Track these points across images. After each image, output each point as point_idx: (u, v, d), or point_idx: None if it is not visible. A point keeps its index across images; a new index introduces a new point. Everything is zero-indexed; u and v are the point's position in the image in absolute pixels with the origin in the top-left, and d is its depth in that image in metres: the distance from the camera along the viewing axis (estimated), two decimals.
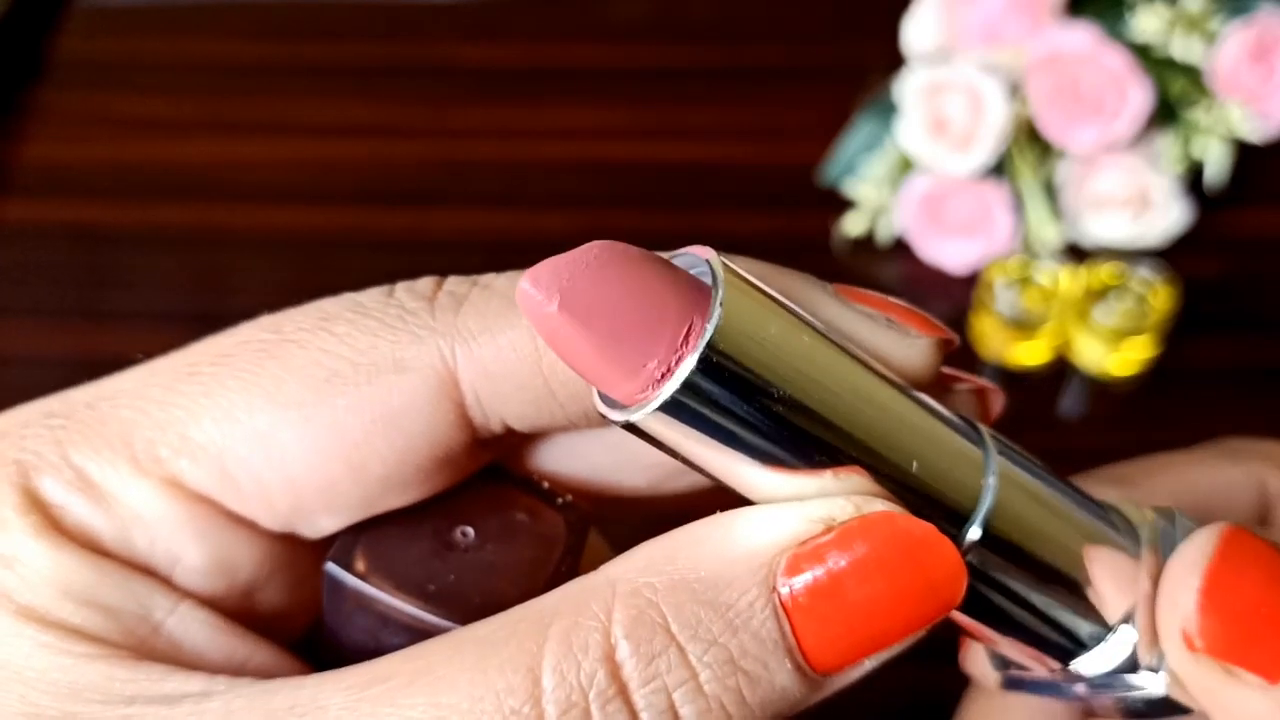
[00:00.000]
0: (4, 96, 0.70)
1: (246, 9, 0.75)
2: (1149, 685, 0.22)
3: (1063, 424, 0.55)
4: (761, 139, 0.67)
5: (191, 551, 0.21)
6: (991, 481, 0.20)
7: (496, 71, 0.71)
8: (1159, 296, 0.55)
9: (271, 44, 0.73)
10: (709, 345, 0.17)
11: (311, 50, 0.73)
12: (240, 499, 0.21)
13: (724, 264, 0.18)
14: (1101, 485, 0.26)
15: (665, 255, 0.19)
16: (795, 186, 0.63)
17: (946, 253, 0.60)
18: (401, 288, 0.22)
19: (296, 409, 0.21)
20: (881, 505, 0.19)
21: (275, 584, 0.23)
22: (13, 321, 0.60)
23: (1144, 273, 0.56)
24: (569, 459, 0.24)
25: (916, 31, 0.63)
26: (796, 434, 0.18)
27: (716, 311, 0.18)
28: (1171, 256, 0.58)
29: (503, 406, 0.21)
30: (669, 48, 0.72)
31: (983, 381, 0.23)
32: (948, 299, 0.59)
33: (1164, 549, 0.22)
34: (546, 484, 0.24)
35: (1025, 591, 0.21)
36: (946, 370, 0.22)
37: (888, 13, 0.64)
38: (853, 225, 0.60)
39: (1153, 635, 0.22)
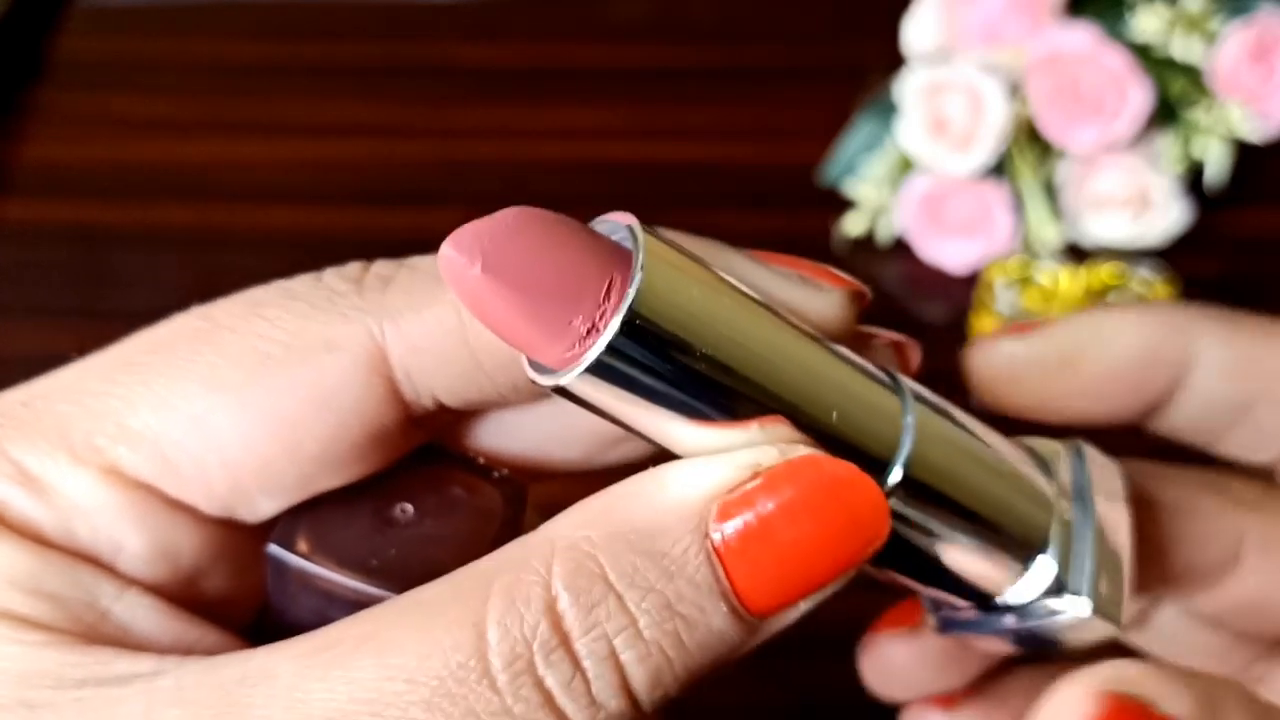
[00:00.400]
0: (4, 96, 0.70)
1: (246, 9, 0.75)
2: (1072, 608, 0.23)
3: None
4: (761, 139, 0.67)
5: (133, 539, 0.21)
6: (909, 425, 0.21)
7: (496, 71, 0.71)
8: (1159, 296, 0.55)
9: (271, 44, 0.73)
10: (632, 305, 0.18)
11: (311, 50, 0.73)
12: (179, 484, 0.21)
13: (644, 228, 0.19)
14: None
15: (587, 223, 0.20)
16: (795, 186, 0.63)
17: (946, 253, 0.60)
18: (330, 272, 0.22)
19: (231, 392, 0.21)
20: (805, 450, 0.19)
21: (219, 570, 0.23)
22: (13, 321, 0.60)
23: (1144, 273, 0.56)
24: (503, 436, 0.24)
25: (916, 31, 0.63)
26: (721, 389, 0.19)
27: (638, 273, 0.18)
28: (1171, 256, 0.58)
29: (432, 381, 0.22)
30: (669, 48, 0.72)
31: (898, 336, 0.24)
32: (948, 299, 0.59)
33: (1074, 483, 0.24)
34: (482, 460, 0.24)
35: (948, 530, 0.22)
36: (865, 328, 0.23)
37: (888, 13, 0.64)
38: (853, 225, 0.60)
39: (1069, 560, 0.23)
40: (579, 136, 0.67)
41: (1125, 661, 0.21)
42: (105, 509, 0.21)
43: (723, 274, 0.20)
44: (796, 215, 0.63)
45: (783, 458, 0.19)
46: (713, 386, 0.19)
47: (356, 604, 0.21)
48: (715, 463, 0.19)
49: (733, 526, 0.19)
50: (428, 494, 0.23)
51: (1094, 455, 0.25)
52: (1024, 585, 0.23)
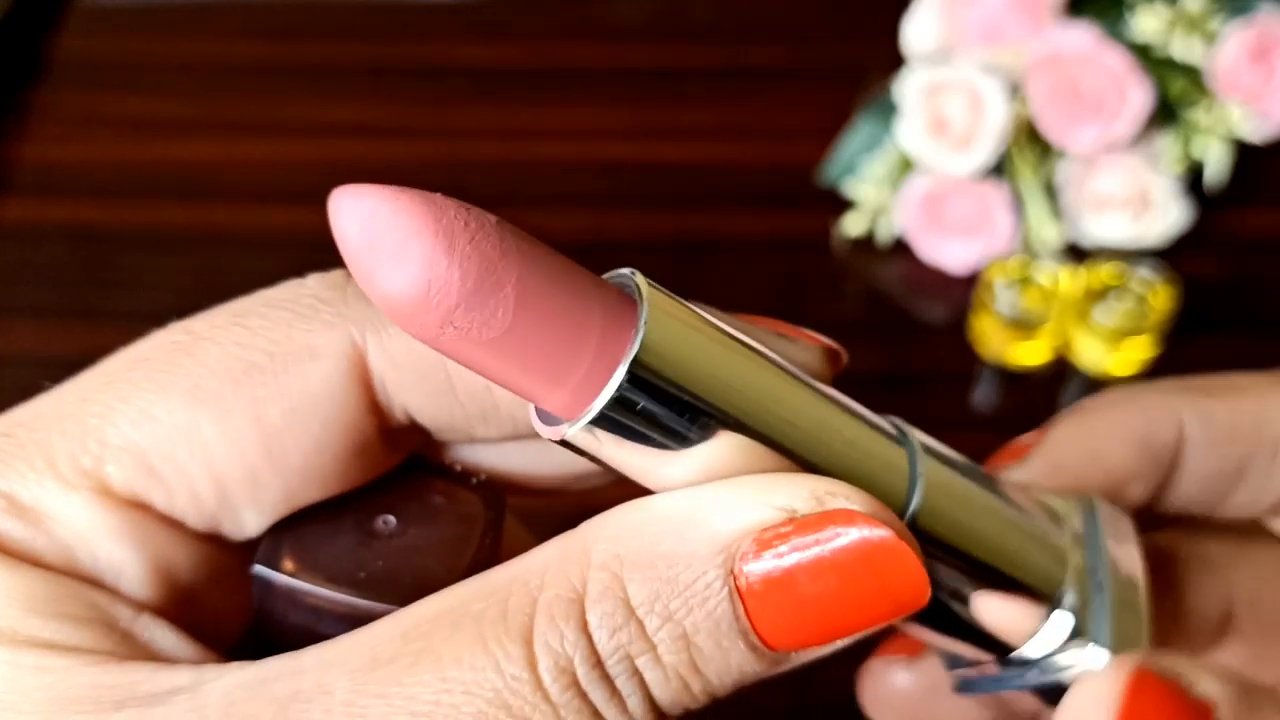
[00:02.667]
0: (4, 96, 0.70)
1: (246, 9, 0.75)
2: (1092, 660, 0.22)
3: None
4: (761, 139, 0.67)
5: (132, 560, 0.21)
6: (918, 476, 0.20)
7: (496, 71, 0.71)
8: (1159, 296, 0.55)
9: (271, 44, 0.73)
10: (637, 356, 0.17)
11: (311, 50, 0.73)
12: (168, 497, 0.21)
13: (644, 277, 0.18)
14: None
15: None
16: (795, 186, 0.63)
17: (946, 253, 0.60)
18: (314, 278, 0.22)
19: (215, 402, 0.21)
20: (843, 500, 0.19)
21: (209, 591, 0.23)
22: (13, 321, 0.60)
23: (1144, 273, 0.56)
24: (473, 465, 0.24)
25: (916, 31, 0.63)
26: (726, 439, 0.19)
27: (643, 322, 0.18)
28: (1171, 256, 0.58)
29: (406, 396, 0.22)
30: (669, 48, 0.72)
31: (826, 340, 0.23)
32: (948, 299, 0.59)
33: (1087, 537, 0.23)
34: (459, 467, 0.24)
35: (961, 582, 0.21)
36: (794, 327, 0.23)
37: (888, 13, 0.64)
38: (853, 225, 0.60)
39: (1086, 611, 0.23)
40: (579, 136, 0.67)
41: (1161, 651, 0.21)
42: (102, 532, 0.21)
43: (719, 321, 0.19)
44: (796, 215, 0.63)
45: (819, 506, 0.19)
46: (717, 434, 0.18)
47: (348, 618, 0.21)
48: (750, 500, 0.19)
49: (759, 569, 0.18)
50: (408, 503, 0.23)
51: (1105, 508, 0.25)
52: (1042, 638, 0.22)
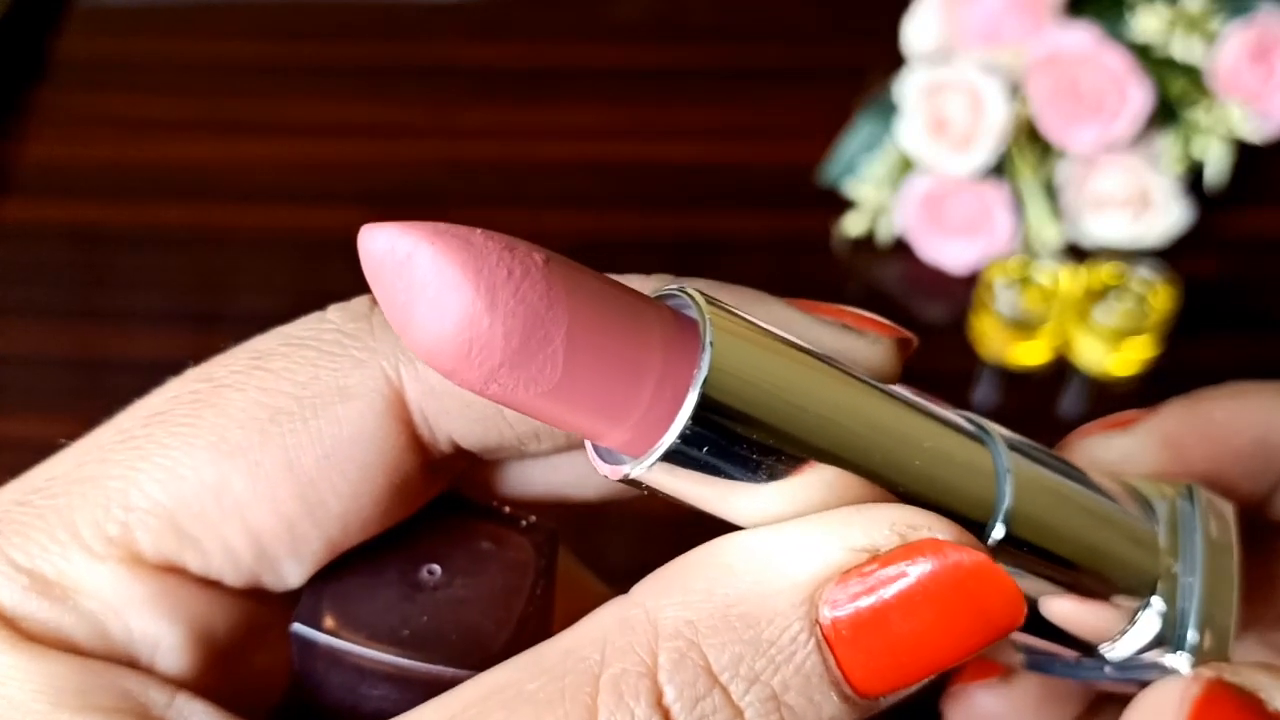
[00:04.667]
0: (4, 96, 0.70)
1: (246, 9, 0.75)
2: (1175, 664, 0.22)
3: (1063, 424, 0.55)
4: (761, 139, 0.67)
5: (167, 630, 0.20)
6: (1007, 478, 0.20)
7: (497, 71, 0.71)
8: (1159, 296, 0.55)
9: (271, 44, 0.73)
10: (703, 389, 0.16)
11: (311, 50, 0.73)
12: (203, 558, 0.20)
13: (703, 295, 0.17)
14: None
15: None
16: (795, 186, 0.63)
17: (946, 253, 0.60)
18: (334, 311, 0.21)
19: (243, 454, 0.20)
20: (926, 532, 0.18)
21: (249, 649, 0.22)
22: (13, 321, 0.60)
23: (1144, 273, 0.56)
24: (521, 480, 0.23)
25: (916, 31, 0.63)
26: (801, 463, 0.18)
27: (707, 350, 0.17)
28: (1171, 256, 0.58)
29: (450, 424, 0.21)
30: (669, 48, 0.72)
31: (900, 330, 0.22)
32: (948, 299, 0.59)
33: (1183, 530, 0.22)
34: (507, 508, 0.23)
35: (1049, 582, 0.21)
36: (860, 312, 0.21)
37: (888, 13, 0.64)
38: (853, 225, 0.60)
39: (1174, 614, 0.22)
40: (579, 136, 0.67)
41: (1243, 664, 0.20)
42: (135, 603, 0.20)
43: (784, 335, 0.18)
44: (796, 215, 0.63)
45: (901, 541, 0.18)
46: (793, 461, 0.17)
47: (391, 677, 0.20)
48: (826, 541, 0.18)
49: (845, 613, 0.17)
50: (454, 551, 0.22)
51: (1204, 496, 0.23)
52: (1127, 639, 0.22)
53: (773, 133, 0.67)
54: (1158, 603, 0.22)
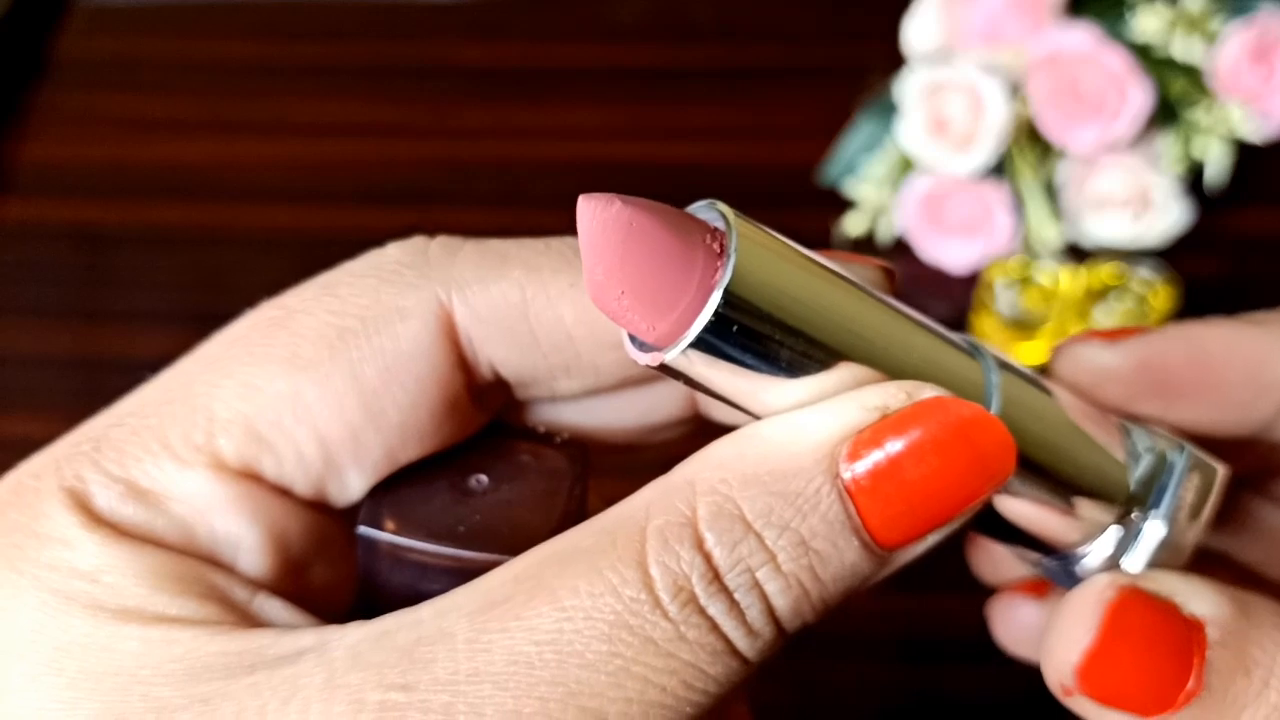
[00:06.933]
0: (4, 96, 0.70)
1: (246, 9, 0.75)
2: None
3: None
4: (761, 139, 0.67)
5: (249, 532, 0.22)
6: (994, 385, 0.22)
7: (496, 71, 0.71)
8: (1159, 296, 0.55)
9: (271, 44, 0.73)
10: (730, 281, 0.19)
11: (311, 50, 0.73)
12: (277, 464, 0.22)
13: (727, 206, 0.20)
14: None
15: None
16: (795, 186, 0.63)
17: (946, 253, 0.60)
18: (393, 246, 0.24)
19: (314, 368, 0.22)
20: (931, 391, 0.20)
21: (318, 561, 0.24)
22: (13, 321, 0.60)
23: (1144, 273, 0.56)
24: (553, 423, 0.25)
25: (916, 31, 0.63)
26: (815, 355, 0.20)
27: (734, 245, 0.19)
28: (1171, 256, 0.58)
29: (492, 350, 0.23)
30: (669, 48, 0.72)
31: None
32: (948, 299, 0.59)
33: (1159, 479, 0.24)
34: (542, 428, 0.25)
35: (1031, 490, 0.22)
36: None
37: (888, 13, 0.64)
38: (853, 225, 0.60)
39: (1130, 535, 0.24)
40: (579, 136, 0.67)
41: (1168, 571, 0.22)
42: (219, 505, 0.22)
43: (800, 248, 0.20)
44: (796, 215, 0.62)
45: (910, 399, 0.20)
46: (809, 355, 0.20)
47: (451, 570, 0.22)
48: (843, 405, 0.20)
49: (863, 465, 0.19)
50: (497, 463, 0.24)
51: (1195, 456, 0.24)
52: (1091, 549, 0.24)
53: (773, 133, 0.67)
54: (1115, 530, 0.24)
